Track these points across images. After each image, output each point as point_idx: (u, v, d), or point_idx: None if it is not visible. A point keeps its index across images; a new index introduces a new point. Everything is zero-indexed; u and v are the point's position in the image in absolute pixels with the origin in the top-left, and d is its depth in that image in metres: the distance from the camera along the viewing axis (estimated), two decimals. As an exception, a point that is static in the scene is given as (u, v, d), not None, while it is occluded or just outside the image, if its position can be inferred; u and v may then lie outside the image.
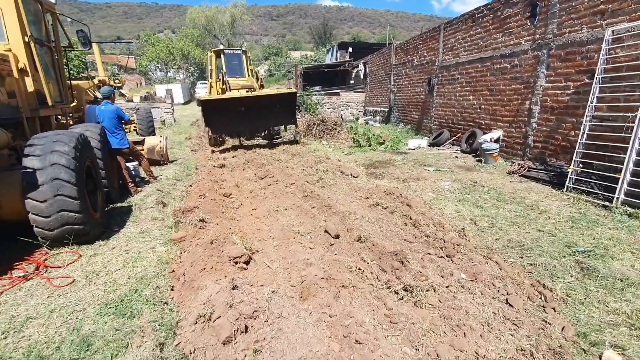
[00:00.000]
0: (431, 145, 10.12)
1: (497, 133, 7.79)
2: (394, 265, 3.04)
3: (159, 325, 2.38)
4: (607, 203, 4.61)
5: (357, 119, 17.51)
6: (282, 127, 11.56)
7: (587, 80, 5.46)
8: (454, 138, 9.71)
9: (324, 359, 2.01)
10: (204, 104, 8.85)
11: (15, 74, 4.36)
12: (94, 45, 8.18)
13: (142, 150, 7.21)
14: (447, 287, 2.75)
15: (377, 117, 16.88)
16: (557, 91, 6.13)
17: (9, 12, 4.37)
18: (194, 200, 5.14)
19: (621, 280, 2.84)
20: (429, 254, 3.37)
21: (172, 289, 2.91)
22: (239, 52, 12.20)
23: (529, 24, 6.79)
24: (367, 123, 16.09)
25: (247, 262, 3.30)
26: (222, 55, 11.57)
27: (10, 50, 4.39)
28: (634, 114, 4.42)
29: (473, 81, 8.81)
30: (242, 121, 9.45)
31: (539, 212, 4.55)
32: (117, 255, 3.52)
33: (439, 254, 3.35)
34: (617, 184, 4.55)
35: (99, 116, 5.67)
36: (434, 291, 2.66)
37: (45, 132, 3.83)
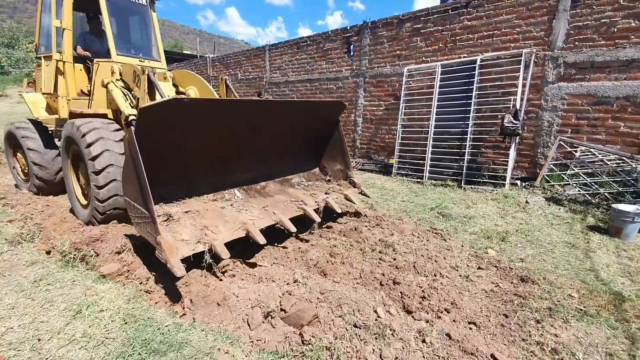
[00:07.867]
0: (271, 152, 11.20)
1: (331, 139, 9.78)
2: (360, 236, 3.83)
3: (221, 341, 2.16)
4: (420, 180, 7.14)
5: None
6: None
7: (393, 101, 8.08)
8: (291, 145, 11.19)
9: (384, 299, 2.59)
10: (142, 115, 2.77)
11: None
12: None
13: None
14: (400, 240, 3.82)
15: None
16: (374, 108, 8.61)
17: None
18: (70, 230, 3.91)
19: (465, 217, 4.83)
20: (366, 226, 4.35)
21: (181, 316, 2.50)
22: None
23: (347, 57, 9.08)
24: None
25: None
26: None
27: None
28: (428, 123, 7.10)
29: (304, 97, 10.57)
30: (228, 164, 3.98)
31: (391, 190, 6.46)
32: (37, 313, 2.46)
33: (372, 224, 4.40)
34: (424, 168, 7.15)
35: None
36: (399, 244, 3.67)
37: None
